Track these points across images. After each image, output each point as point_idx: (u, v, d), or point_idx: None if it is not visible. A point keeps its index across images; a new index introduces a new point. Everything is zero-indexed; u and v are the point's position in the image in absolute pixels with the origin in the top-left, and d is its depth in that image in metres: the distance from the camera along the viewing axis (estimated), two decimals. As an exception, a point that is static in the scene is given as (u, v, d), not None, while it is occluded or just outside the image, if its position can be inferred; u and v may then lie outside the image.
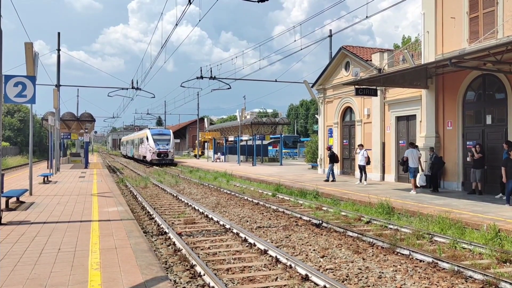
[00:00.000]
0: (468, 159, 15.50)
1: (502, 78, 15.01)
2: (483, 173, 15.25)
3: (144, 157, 47.88)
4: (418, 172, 16.70)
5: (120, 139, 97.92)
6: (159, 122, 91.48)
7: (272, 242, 9.46)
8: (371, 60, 21.95)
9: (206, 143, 60.64)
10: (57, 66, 30.38)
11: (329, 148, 22.57)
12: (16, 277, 5.62)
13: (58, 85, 29.64)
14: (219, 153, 50.42)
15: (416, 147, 17.16)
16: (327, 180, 20.67)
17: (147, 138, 46.10)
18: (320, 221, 11.46)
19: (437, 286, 6.66)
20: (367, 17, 17.12)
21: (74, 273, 5.79)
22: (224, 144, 51.74)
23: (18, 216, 10.44)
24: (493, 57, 12.61)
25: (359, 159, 19.79)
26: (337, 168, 23.44)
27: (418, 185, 16.58)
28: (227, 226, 10.92)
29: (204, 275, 6.86)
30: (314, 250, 8.82)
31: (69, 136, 38.25)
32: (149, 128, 54.73)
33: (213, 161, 48.38)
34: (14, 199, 12.31)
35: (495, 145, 14.93)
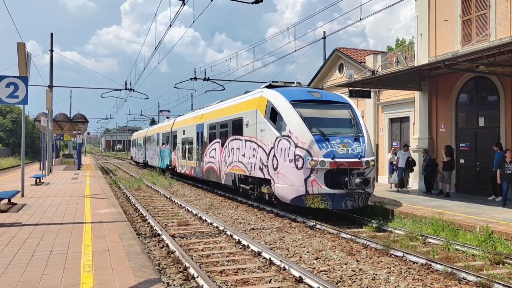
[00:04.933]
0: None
1: (495, 80, 15.11)
2: (453, 176, 16.05)
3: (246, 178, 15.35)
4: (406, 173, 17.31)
5: (132, 140, 55.10)
6: (153, 123, 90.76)
7: (266, 244, 9.44)
8: (364, 62, 22.02)
9: None
10: (50, 66, 30.17)
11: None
12: (7, 280, 5.55)
13: (51, 86, 29.43)
14: None
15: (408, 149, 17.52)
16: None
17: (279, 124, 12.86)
18: (314, 223, 11.45)
19: (431, 287, 6.68)
20: (360, 19, 17.16)
21: (66, 276, 5.73)
22: None
23: (10, 218, 10.33)
24: (486, 60, 12.69)
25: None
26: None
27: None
28: (221, 228, 10.89)
29: (197, 277, 6.82)
30: (308, 252, 8.81)
31: (61, 137, 38.03)
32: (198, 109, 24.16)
33: None
34: (5, 200, 12.19)
35: (488, 147, 15.02)
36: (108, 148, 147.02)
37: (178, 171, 26.45)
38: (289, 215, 12.87)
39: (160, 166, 32.44)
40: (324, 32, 28.75)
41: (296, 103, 12.83)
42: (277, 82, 15.80)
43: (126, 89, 33.66)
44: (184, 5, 12.50)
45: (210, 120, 19.62)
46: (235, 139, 16.15)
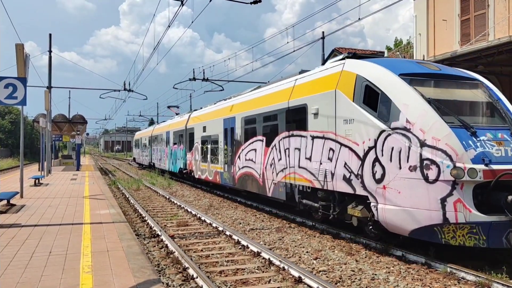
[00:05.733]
0: None
1: (494, 80, 15.13)
2: None
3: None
4: None
5: (134, 140, 51.01)
6: (152, 124, 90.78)
7: (265, 244, 9.44)
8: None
9: None
10: (48, 67, 30.16)
11: None
12: (7, 280, 5.55)
13: (49, 87, 29.41)
14: None
15: None
16: None
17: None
18: (313, 223, 11.45)
19: (430, 287, 6.68)
20: (359, 19, 17.18)
21: (65, 277, 5.72)
22: None
23: (9, 219, 10.32)
24: (484, 59, 12.73)
25: None
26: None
27: None
28: (220, 228, 10.88)
29: (197, 277, 6.82)
30: (307, 252, 8.81)
31: (60, 138, 38.02)
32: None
33: None
34: (4, 201, 12.18)
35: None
36: (107, 149, 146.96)
37: (197, 177, 21.73)
38: (288, 215, 12.86)
39: (170, 170, 28.47)
40: (323, 32, 28.77)
41: (409, 78, 8.56)
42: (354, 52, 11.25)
43: (125, 89, 33.67)
44: (182, 5, 12.50)
45: (246, 112, 15.10)
46: (292, 135, 11.72)
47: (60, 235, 8.48)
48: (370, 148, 8.65)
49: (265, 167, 13.38)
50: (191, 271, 7.13)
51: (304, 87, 11.41)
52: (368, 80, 8.94)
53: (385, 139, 8.32)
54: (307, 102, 10.98)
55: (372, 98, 8.83)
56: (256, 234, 10.68)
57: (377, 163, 8.46)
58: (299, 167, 11.25)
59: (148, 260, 6.84)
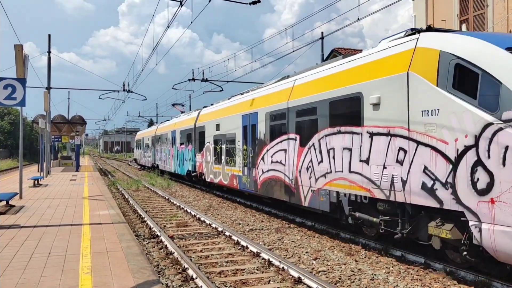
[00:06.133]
0: None
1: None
2: None
3: None
4: None
5: (136, 140, 48.70)
6: (151, 125, 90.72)
7: (264, 245, 9.44)
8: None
9: None
10: (47, 68, 30.16)
11: None
12: (6, 282, 5.54)
13: (48, 88, 29.41)
14: None
15: None
16: None
17: None
18: (313, 223, 11.46)
19: (430, 287, 6.68)
20: (358, 19, 17.19)
21: (64, 278, 5.72)
22: None
23: (8, 220, 10.32)
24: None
25: None
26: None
27: None
28: (220, 229, 10.88)
29: (196, 278, 6.82)
30: (306, 252, 8.81)
31: (60, 139, 38.01)
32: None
33: None
34: (3, 202, 12.18)
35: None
36: (106, 149, 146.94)
37: (208, 180, 19.65)
38: (287, 216, 12.86)
39: (176, 172, 26.51)
40: (322, 32, 28.77)
41: None
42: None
43: (124, 90, 33.68)
44: (181, 6, 12.51)
45: (273, 107, 12.96)
46: (339, 132, 9.58)
47: (59, 236, 8.47)
48: (467, 148, 6.59)
49: (299, 171, 11.23)
50: (190, 272, 7.12)
51: (356, 72, 9.24)
52: (460, 58, 6.93)
53: (493, 135, 6.25)
54: (362, 90, 8.83)
55: (467, 80, 6.84)
56: (256, 234, 10.68)
57: (479, 168, 6.40)
58: (350, 171, 9.12)
59: (148, 260, 6.84)
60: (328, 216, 10.62)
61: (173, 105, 36.08)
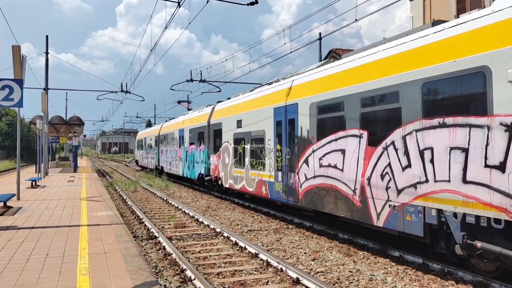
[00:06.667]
0: None
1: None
2: None
3: None
4: None
5: (137, 140, 45.52)
6: (149, 126, 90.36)
7: (263, 246, 9.44)
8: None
9: None
10: (45, 69, 30.11)
11: None
12: (3, 283, 5.52)
13: (46, 89, 29.36)
14: None
15: None
16: None
17: None
18: (311, 224, 11.46)
19: (428, 288, 6.68)
20: (356, 20, 17.21)
21: (62, 279, 5.70)
22: None
23: (5, 221, 10.29)
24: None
25: None
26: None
27: None
28: (218, 230, 10.87)
29: (194, 279, 6.81)
30: (305, 253, 8.81)
31: (57, 140, 37.96)
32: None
33: None
34: (1, 204, 12.15)
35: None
36: (104, 150, 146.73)
37: (226, 186, 16.90)
38: (286, 217, 12.85)
39: (185, 176, 23.58)
40: (320, 33, 28.80)
41: None
42: None
43: (122, 91, 33.65)
44: (179, 7, 12.51)
45: (322, 96, 10.33)
46: (441, 125, 6.97)
47: (57, 237, 8.45)
48: None
49: (368, 179, 8.62)
50: (188, 273, 7.11)
51: (471, 37, 6.54)
52: None
53: None
54: (488, 64, 6.19)
55: None
56: (254, 235, 10.67)
57: None
58: (466, 181, 6.51)
59: (146, 262, 6.83)
60: (329, 217, 9.68)
61: (179, 102, 34.93)
